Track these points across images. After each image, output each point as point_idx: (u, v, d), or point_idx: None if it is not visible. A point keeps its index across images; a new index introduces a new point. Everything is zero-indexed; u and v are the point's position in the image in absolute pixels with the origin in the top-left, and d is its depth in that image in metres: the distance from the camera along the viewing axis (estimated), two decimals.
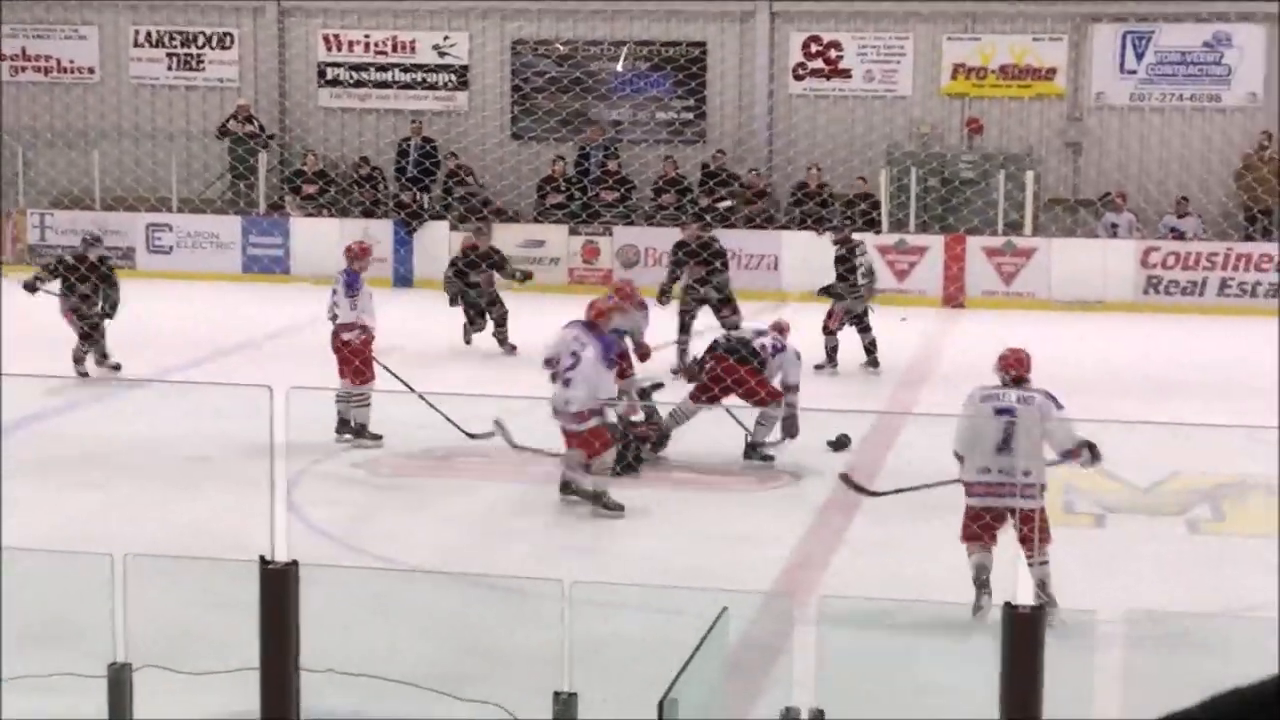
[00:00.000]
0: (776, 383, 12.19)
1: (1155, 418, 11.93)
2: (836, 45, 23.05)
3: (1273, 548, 8.96)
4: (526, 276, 17.02)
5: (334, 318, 12.80)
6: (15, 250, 22.79)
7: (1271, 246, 20.62)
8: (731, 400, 12.13)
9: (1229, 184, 21.81)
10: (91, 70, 24.81)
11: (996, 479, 8.67)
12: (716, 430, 12.20)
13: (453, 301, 16.74)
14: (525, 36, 23.81)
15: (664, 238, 19.06)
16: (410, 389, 12.50)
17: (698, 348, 14.86)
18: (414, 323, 16.75)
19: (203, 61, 24.61)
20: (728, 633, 5.56)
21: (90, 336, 14.85)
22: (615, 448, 11.11)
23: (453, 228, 21.96)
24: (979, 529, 8.65)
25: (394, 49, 24.11)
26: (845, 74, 23.05)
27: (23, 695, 6.61)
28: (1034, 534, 8.32)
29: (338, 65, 24.28)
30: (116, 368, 14.99)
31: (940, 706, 7.15)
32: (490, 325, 16.69)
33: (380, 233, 21.39)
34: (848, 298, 15.84)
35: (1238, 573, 9.54)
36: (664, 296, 15.61)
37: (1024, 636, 5.40)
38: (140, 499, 10.97)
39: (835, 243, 16.33)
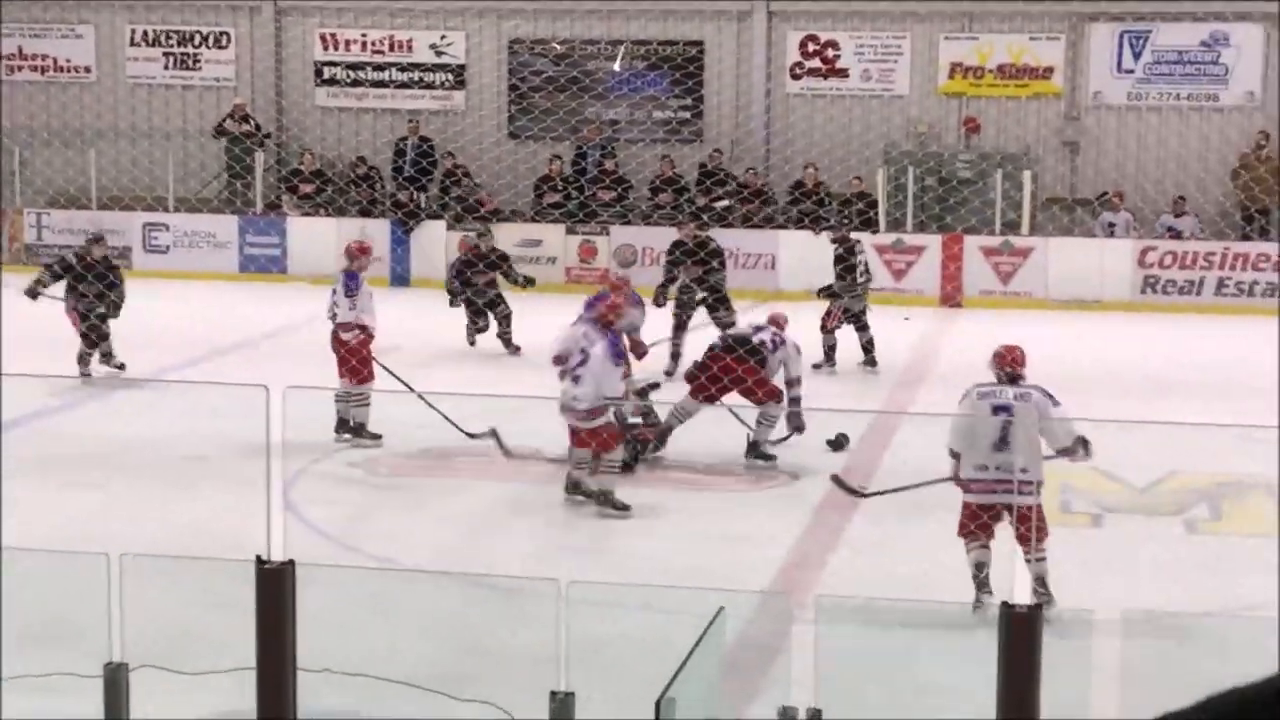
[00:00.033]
0: (779, 379, 12.17)
1: (1152, 417, 11.93)
2: (834, 44, 23.05)
3: (1269, 547, 8.96)
4: (529, 282, 16.97)
5: (334, 317, 12.79)
6: (12, 250, 22.77)
7: (1268, 246, 20.62)
8: (733, 399, 12.12)
9: (1226, 183, 21.81)
10: (88, 69, 24.80)
11: (995, 476, 8.69)
12: (714, 430, 12.19)
13: (453, 302, 16.71)
14: (522, 36, 23.80)
15: (661, 237, 19.05)
16: (409, 389, 12.50)
17: (692, 348, 14.87)
18: (411, 322, 16.73)
19: (199, 61, 24.59)
20: (724, 632, 5.56)
21: (93, 336, 14.76)
22: (623, 446, 11.09)
23: (449, 227, 21.96)
24: (976, 526, 8.67)
25: (391, 48, 24.10)
26: (842, 73, 23.05)
27: (20, 695, 6.60)
28: (1031, 530, 8.35)
29: (334, 64, 24.27)
30: (121, 367, 14.89)
31: (938, 706, 7.15)
32: (494, 326, 16.65)
33: (377, 232, 21.36)
34: (846, 297, 15.84)
35: (1235, 572, 9.54)
36: (661, 298, 15.58)
37: (1021, 636, 5.40)
38: (138, 498, 10.96)
39: (834, 241, 16.34)
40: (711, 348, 12.48)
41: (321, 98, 24.35)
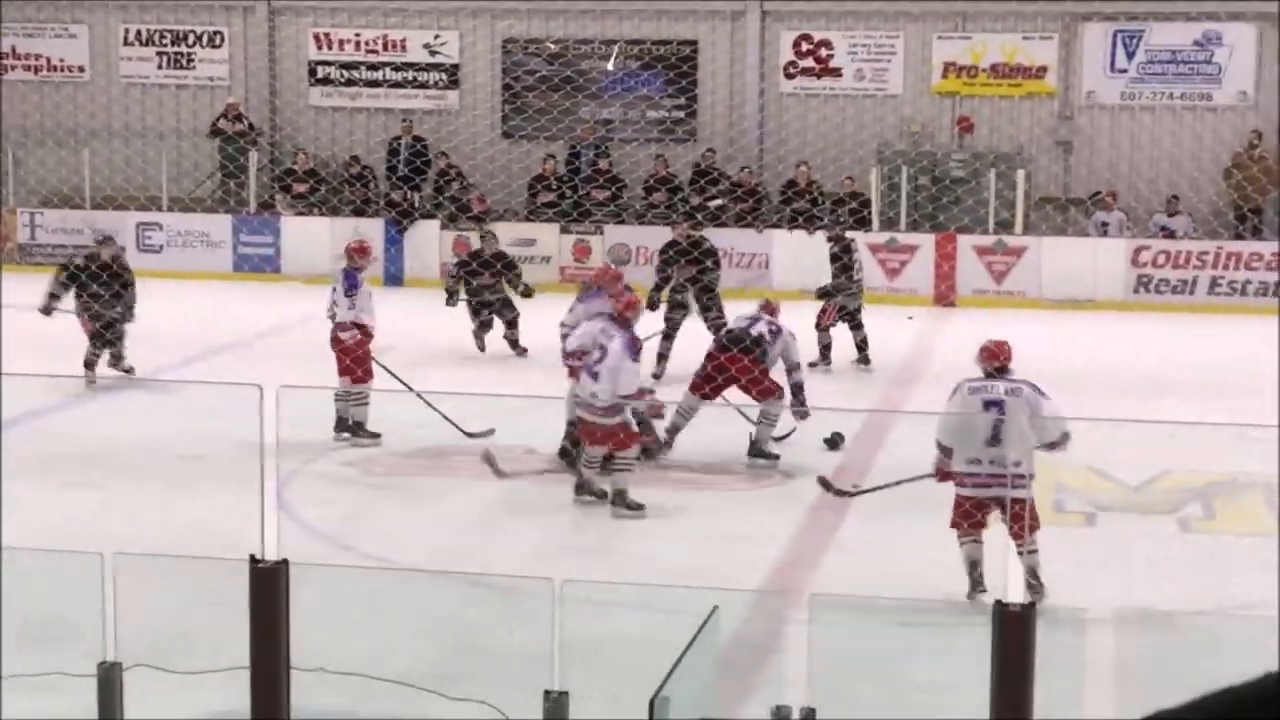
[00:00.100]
0: (780, 368, 12.16)
1: (1146, 416, 11.94)
2: (827, 44, 23.05)
3: (1263, 545, 8.98)
4: (529, 293, 16.69)
5: (333, 316, 12.78)
6: (5, 249, 22.74)
7: (1261, 245, 20.66)
8: (735, 396, 12.10)
9: (1219, 183, 21.83)
10: (81, 69, 24.77)
11: (988, 470, 8.73)
12: (713, 429, 12.19)
13: (450, 301, 16.56)
14: (516, 35, 23.80)
15: (655, 236, 19.05)
16: (409, 388, 12.50)
17: (680, 346, 14.88)
18: (405, 321, 16.71)
19: (193, 60, 24.57)
20: (718, 631, 5.56)
21: (102, 337, 14.51)
22: (638, 445, 11.04)
23: (443, 227, 21.96)
24: (969, 522, 8.72)
25: (384, 48, 24.09)
26: (836, 73, 23.05)
27: (15, 695, 6.60)
28: (1024, 523, 8.38)
29: (328, 64, 24.26)
30: (129, 370, 14.72)
31: (931, 705, 7.16)
32: (502, 328, 16.50)
33: (371, 232, 21.33)
34: (842, 295, 15.86)
35: (1228, 571, 9.55)
36: (655, 301, 15.34)
37: (1015, 634, 5.40)
38: (133, 497, 10.95)
39: (830, 240, 16.35)
40: (712, 349, 12.43)
41: (315, 97, 24.34)
